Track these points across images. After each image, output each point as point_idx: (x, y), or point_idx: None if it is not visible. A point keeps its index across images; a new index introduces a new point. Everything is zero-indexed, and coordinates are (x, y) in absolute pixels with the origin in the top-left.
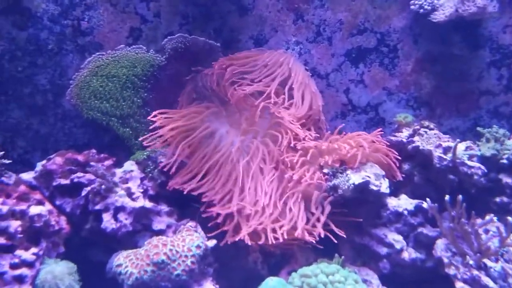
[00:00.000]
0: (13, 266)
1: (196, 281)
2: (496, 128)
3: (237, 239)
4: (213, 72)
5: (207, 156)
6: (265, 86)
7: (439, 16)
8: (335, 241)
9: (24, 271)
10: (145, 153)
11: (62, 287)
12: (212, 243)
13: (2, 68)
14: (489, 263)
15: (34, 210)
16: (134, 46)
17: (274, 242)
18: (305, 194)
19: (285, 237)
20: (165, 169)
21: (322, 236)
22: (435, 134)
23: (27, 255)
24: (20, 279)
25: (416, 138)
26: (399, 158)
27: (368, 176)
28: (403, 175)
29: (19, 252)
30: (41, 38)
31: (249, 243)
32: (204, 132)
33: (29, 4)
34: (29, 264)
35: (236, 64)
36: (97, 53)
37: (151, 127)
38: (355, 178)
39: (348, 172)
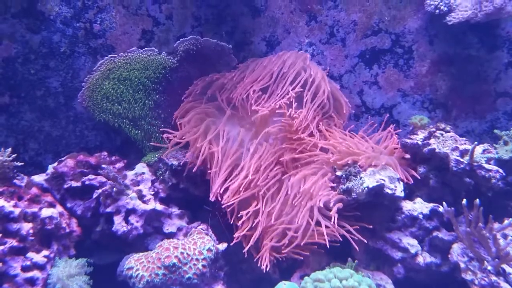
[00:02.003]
0: (25, 269)
1: (207, 284)
2: None
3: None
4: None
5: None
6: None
7: (456, 17)
8: (350, 245)
9: (35, 273)
10: (156, 155)
11: (74, 287)
12: (223, 246)
13: (15, 71)
14: (508, 269)
15: (46, 212)
16: (146, 48)
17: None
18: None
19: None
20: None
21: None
22: (451, 136)
23: (38, 257)
24: (31, 281)
25: (432, 141)
26: (414, 161)
27: (383, 179)
28: (418, 178)
29: (30, 254)
30: (54, 41)
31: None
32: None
33: (43, 8)
34: (41, 267)
35: (251, 77)
36: (109, 56)
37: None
38: (369, 181)
39: (362, 175)
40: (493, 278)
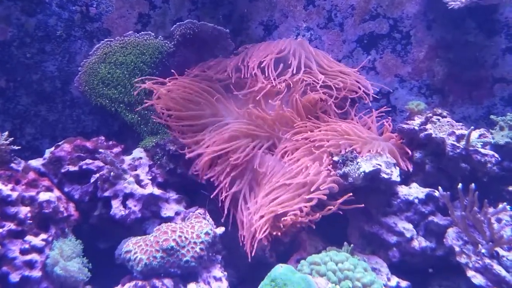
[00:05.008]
0: (24, 252)
1: (205, 267)
2: (510, 115)
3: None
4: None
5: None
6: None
7: (455, 1)
8: (346, 229)
9: (34, 256)
10: (153, 140)
11: (72, 268)
12: (220, 230)
13: (11, 55)
14: (501, 252)
15: (43, 196)
16: (142, 32)
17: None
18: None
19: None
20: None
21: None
22: (448, 122)
23: (36, 241)
24: (30, 264)
25: (428, 126)
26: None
27: (379, 164)
28: (414, 163)
29: (29, 238)
30: (50, 24)
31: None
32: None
33: None
34: (39, 250)
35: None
36: (106, 40)
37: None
38: (366, 166)
39: (359, 160)
40: (487, 261)
